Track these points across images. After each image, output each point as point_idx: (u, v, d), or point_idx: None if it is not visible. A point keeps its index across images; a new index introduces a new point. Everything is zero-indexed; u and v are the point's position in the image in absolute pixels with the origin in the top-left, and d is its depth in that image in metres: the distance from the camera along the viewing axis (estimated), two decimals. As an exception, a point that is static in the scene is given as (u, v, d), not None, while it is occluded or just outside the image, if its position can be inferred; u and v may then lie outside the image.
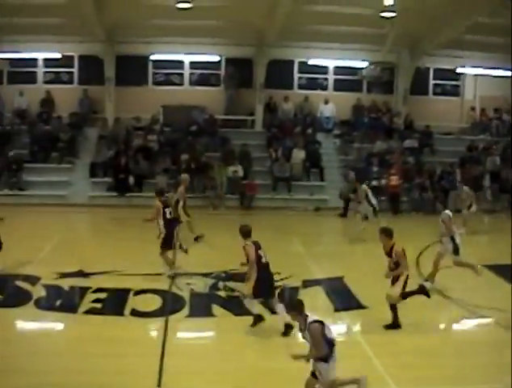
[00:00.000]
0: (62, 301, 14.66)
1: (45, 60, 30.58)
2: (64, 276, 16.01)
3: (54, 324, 13.66)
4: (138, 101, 29.51)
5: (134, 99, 29.56)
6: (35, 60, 30.58)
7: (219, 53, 30.23)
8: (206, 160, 27.20)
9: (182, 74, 31.15)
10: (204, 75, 31.41)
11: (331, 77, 31.75)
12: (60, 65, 30.75)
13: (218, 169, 26.87)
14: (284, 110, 30.70)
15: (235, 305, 14.18)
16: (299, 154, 28.03)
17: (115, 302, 14.09)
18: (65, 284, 15.53)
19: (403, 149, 29.34)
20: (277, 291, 13.67)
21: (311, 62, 30.94)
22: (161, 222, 16.28)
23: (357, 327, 13.46)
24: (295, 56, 30.88)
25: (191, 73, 31.19)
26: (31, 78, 30.89)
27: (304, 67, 31.37)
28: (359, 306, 14.50)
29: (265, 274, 12.72)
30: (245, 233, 12.96)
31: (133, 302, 13.99)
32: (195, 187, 26.37)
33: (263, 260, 12.72)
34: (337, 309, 14.27)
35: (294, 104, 30.93)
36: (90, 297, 14.61)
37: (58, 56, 29.89)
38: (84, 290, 14.94)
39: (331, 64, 31.31)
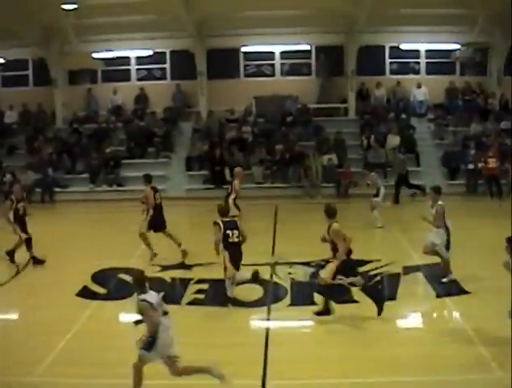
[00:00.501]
0: (165, 293, 14.86)
1: (137, 57, 31.10)
2: (166, 268, 16.29)
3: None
4: (230, 93, 29.70)
5: (226, 92, 29.75)
6: (127, 58, 31.13)
7: (309, 42, 30.13)
8: (300, 149, 27.14)
9: (273, 65, 31.20)
10: (295, 65, 31.37)
11: (423, 60, 31.26)
12: (152, 62, 31.22)
13: (313, 158, 26.78)
14: (377, 96, 30.40)
15: (336, 293, 14.14)
16: (393, 140, 27.70)
17: (217, 293, 14.22)
18: (168, 275, 15.81)
19: (499, 131, 28.66)
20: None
21: (402, 47, 30.54)
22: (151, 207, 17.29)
23: (460, 314, 13.23)
24: (385, 42, 30.52)
25: (282, 64, 31.20)
26: (124, 76, 31.49)
27: (395, 52, 30.97)
28: (462, 292, 14.21)
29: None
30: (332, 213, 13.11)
31: (235, 292, 14.07)
32: (290, 177, 26.39)
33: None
34: (438, 295, 14.07)
35: (386, 90, 30.60)
36: (193, 288, 14.82)
37: (150, 53, 30.31)
38: (186, 281, 15.15)
39: (422, 47, 30.82)
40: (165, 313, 10.05)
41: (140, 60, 31.25)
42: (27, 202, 17.54)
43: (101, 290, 15.16)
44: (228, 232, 13.78)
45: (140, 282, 10.07)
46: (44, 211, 24.80)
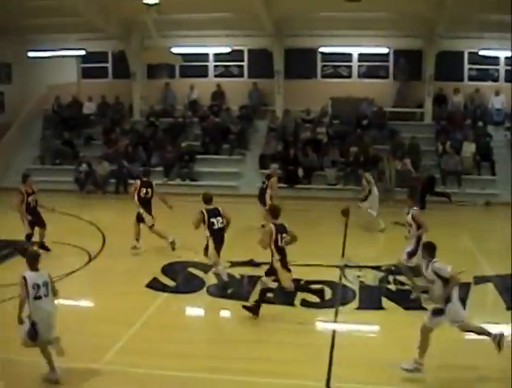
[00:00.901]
0: (234, 289, 15.01)
1: (216, 54, 31.35)
2: (235, 264, 16.41)
3: (224, 311, 14.04)
4: (307, 93, 29.66)
5: (303, 92, 29.71)
6: (206, 54, 31.40)
7: (387, 45, 29.90)
8: (374, 153, 26.99)
9: (350, 67, 31.07)
10: (372, 67, 31.20)
11: (502, 67, 30.75)
12: (230, 59, 31.42)
13: (387, 162, 26.59)
14: (454, 102, 29.96)
15: (404, 299, 14.08)
16: (469, 147, 27.29)
17: (285, 292, 14.27)
18: (237, 272, 15.93)
19: None
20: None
21: (482, 53, 30.07)
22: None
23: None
24: (465, 47, 30.03)
25: (360, 66, 31.05)
26: (202, 72, 31.78)
27: (475, 58, 30.50)
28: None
29: None
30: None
31: (303, 293, 14.11)
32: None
33: None
34: (509, 308, 13.82)
35: (464, 96, 30.16)
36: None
37: (228, 50, 30.51)
38: (255, 279, 15.22)
39: (502, 54, 30.28)
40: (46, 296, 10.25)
41: (218, 56, 31.47)
42: (36, 199, 17.67)
43: (170, 283, 15.35)
44: (213, 220, 14.66)
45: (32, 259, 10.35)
46: (118, 201, 25.21)
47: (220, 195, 23.23)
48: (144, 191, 18.11)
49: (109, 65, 33.03)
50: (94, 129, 30.63)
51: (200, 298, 14.54)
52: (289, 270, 13.34)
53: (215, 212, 14.84)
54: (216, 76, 31.72)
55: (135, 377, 10.70)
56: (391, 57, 30.63)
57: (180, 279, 15.82)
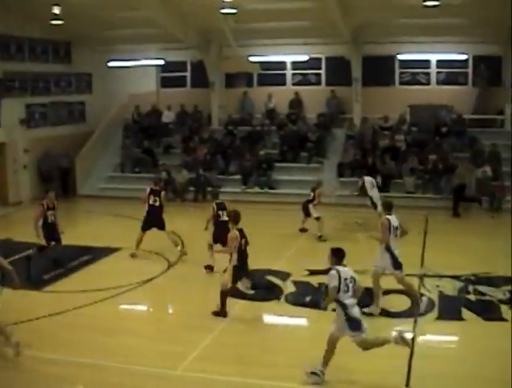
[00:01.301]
0: (312, 297, 15.02)
1: (293, 62, 31.43)
2: (313, 273, 16.41)
3: (302, 320, 14.06)
4: (385, 101, 29.46)
5: (381, 99, 29.54)
6: (283, 62, 31.51)
7: (466, 51, 29.50)
8: (454, 161, 26.63)
9: (428, 74, 30.76)
10: (451, 74, 30.82)
11: None
12: (307, 67, 31.46)
13: (467, 170, 26.19)
14: (536, 108, 29.41)
15: (485, 310, 13.88)
16: (552, 155, 26.74)
17: (364, 301, 14.19)
18: (315, 281, 15.92)
19: None
20: None
21: None
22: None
23: None
24: (548, 54, 29.48)
25: (438, 72, 30.71)
26: (280, 80, 31.91)
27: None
28: None
29: None
30: None
31: (382, 302, 14.03)
32: (443, 187, 25.93)
33: None
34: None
35: (546, 102, 29.54)
36: (339, 295, 14.83)
37: (306, 58, 30.54)
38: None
39: None
40: None
41: (295, 65, 31.56)
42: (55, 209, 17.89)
43: (249, 290, 15.43)
44: (220, 212, 16.83)
45: None
46: (197, 209, 25.44)
47: (298, 203, 23.36)
48: (153, 199, 18.63)
49: (188, 74, 33.49)
50: (173, 138, 31.06)
51: (278, 306, 14.59)
52: (247, 274, 14.04)
53: (222, 206, 17.13)
54: (293, 84, 31.81)
55: (212, 383, 10.82)
56: (470, 64, 30.19)
57: (258, 286, 15.90)
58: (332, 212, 23.28)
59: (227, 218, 15.83)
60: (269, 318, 14.48)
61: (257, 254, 18.36)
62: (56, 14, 24.55)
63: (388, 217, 13.92)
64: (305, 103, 31.05)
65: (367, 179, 22.42)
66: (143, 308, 15.25)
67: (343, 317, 10.65)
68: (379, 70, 30.36)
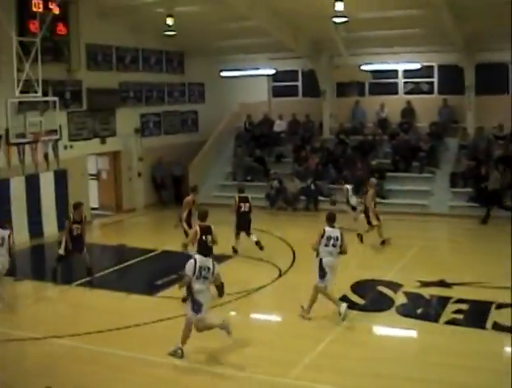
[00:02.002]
0: (423, 309, 14.85)
1: (405, 71, 31.10)
2: (425, 284, 16.22)
3: (412, 331, 13.90)
4: (499, 109, 28.73)
5: (494, 108, 28.82)
6: (395, 71, 31.22)
7: None
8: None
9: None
10: None
11: None
12: (420, 76, 31.07)
13: None
14: None
15: None
16: None
17: (476, 314, 13.96)
18: (426, 292, 15.74)
19: None
20: None
21: None
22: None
23: None
24: None
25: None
26: (391, 89, 31.62)
27: None
28: None
29: None
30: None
31: (496, 316, 13.74)
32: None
33: None
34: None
35: None
36: (452, 307, 14.61)
37: (418, 66, 30.18)
38: (445, 300, 14.99)
39: None
40: None
41: (407, 73, 31.21)
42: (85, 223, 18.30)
43: (360, 300, 15.39)
44: (241, 204, 19.80)
45: None
46: (308, 218, 25.50)
47: (410, 213, 23.22)
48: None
49: (299, 83, 33.57)
50: (284, 147, 31.20)
51: (389, 317, 14.48)
52: None
53: (244, 199, 20.06)
54: (405, 93, 31.44)
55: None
56: None
57: (369, 297, 15.83)
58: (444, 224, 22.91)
59: (248, 210, 19.81)
60: (379, 330, 14.36)
61: (369, 264, 18.46)
62: (169, 26, 25.14)
63: (326, 228, 14.27)
64: (417, 112, 30.63)
65: (349, 187, 23.38)
66: (253, 316, 15.37)
67: (190, 299, 12.19)
68: (493, 78, 29.66)
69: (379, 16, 24.96)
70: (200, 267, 12.12)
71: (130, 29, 27.63)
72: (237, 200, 19.96)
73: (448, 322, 13.74)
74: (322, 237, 14.12)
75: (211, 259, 12.39)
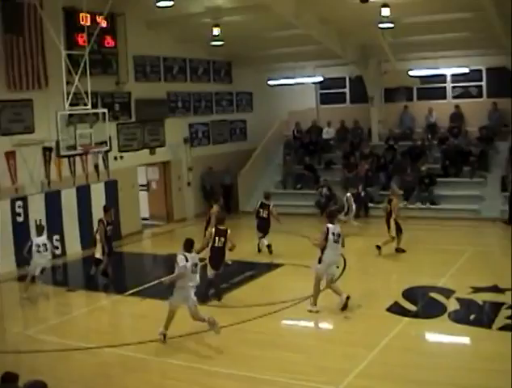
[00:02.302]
0: (476, 315, 14.68)
1: (453, 75, 30.82)
2: (478, 290, 16.03)
3: (465, 338, 13.73)
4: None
5: (547, 111, 28.51)
6: (443, 75, 30.95)
7: None
8: None
9: None
10: None
11: None
12: (468, 80, 30.76)
13: None
14: None
15: None
16: None
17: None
18: (479, 298, 15.55)
19: None
20: None
21: None
22: None
23: None
24: None
25: None
26: (440, 94, 31.37)
27: None
28: None
29: None
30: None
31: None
32: None
33: None
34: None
35: None
36: (505, 313, 14.40)
37: (466, 70, 29.90)
38: (498, 306, 14.80)
39: None
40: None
41: (455, 77, 30.92)
42: None
43: (412, 307, 15.27)
44: (260, 209, 21.72)
45: None
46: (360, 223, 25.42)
47: (461, 218, 22.97)
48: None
49: (347, 90, 33.50)
50: (333, 154, 31.17)
51: (442, 324, 14.33)
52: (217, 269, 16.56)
53: (262, 205, 21.84)
54: (454, 97, 31.17)
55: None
56: None
57: (421, 304, 15.71)
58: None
59: (266, 216, 21.47)
60: (432, 336, 14.22)
61: (420, 270, 18.31)
62: (216, 36, 25.27)
63: (329, 225, 15.29)
64: (466, 117, 30.34)
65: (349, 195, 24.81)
66: (304, 323, 15.32)
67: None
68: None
69: (426, 20, 24.81)
70: (193, 263, 13.77)
71: (177, 39, 27.86)
72: (257, 205, 22.12)
73: (502, 328, 13.53)
74: (327, 234, 15.12)
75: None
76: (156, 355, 13.03)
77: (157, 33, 26.60)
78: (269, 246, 21.14)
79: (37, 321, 16.19)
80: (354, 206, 24.40)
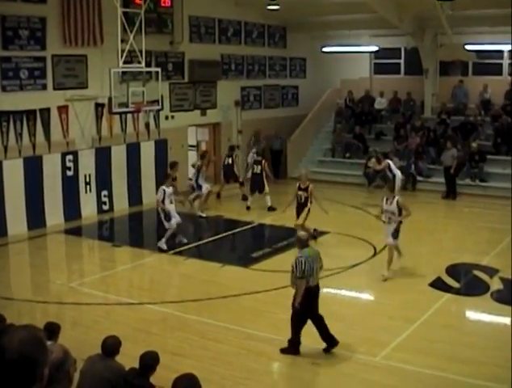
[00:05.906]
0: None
1: (510, 51, 30.28)
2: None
3: (506, 319, 13.62)
4: None
5: None
6: (500, 52, 30.44)
7: None
8: None
9: None
10: None
11: None
12: (526, 56, 30.25)
13: None
14: None
15: None
16: None
17: None
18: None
19: None
20: None
21: None
22: None
23: None
24: None
25: None
26: (496, 70, 30.87)
27: None
28: None
29: None
30: None
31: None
32: None
33: None
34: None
35: None
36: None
37: (524, 47, 29.38)
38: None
39: None
40: None
41: (512, 54, 30.44)
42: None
43: (454, 284, 15.21)
44: (254, 166, 22.90)
45: None
46: (405, 198, 25.19)
47: (510, 197, 22.68)
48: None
49: (401, 61, 33.12)
50: (385, 125, 30.95)
51: (483, 303, 14.26)
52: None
53: (257, 162, 23.37)
54: (510, 74, 30.66)
55: (408, 374, 10.81)
56: None
57: (464, 281, 15.64)
58: None
59: (259, 171, 22.39)
60: (472, 315, 14.19)
61: (465, 247, 18.20)
62: (272, 0, 25.13)
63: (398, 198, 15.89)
64: (520, 94, 29.88)
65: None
66: (346, 293, 15.36)
67: None
68: None
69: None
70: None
71: (233, 2, 27.78)
72: (251, 162, 23.35)
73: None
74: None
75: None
76: (196, 314, 13.20)
77: (213, -6, 26.58)
78: (270, 209, 22.34)
79: (81, 274, 16.49)
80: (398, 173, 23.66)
